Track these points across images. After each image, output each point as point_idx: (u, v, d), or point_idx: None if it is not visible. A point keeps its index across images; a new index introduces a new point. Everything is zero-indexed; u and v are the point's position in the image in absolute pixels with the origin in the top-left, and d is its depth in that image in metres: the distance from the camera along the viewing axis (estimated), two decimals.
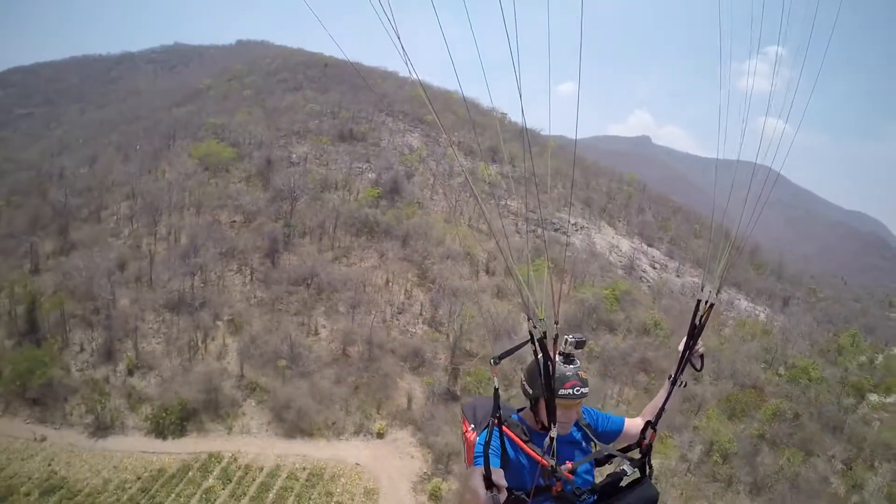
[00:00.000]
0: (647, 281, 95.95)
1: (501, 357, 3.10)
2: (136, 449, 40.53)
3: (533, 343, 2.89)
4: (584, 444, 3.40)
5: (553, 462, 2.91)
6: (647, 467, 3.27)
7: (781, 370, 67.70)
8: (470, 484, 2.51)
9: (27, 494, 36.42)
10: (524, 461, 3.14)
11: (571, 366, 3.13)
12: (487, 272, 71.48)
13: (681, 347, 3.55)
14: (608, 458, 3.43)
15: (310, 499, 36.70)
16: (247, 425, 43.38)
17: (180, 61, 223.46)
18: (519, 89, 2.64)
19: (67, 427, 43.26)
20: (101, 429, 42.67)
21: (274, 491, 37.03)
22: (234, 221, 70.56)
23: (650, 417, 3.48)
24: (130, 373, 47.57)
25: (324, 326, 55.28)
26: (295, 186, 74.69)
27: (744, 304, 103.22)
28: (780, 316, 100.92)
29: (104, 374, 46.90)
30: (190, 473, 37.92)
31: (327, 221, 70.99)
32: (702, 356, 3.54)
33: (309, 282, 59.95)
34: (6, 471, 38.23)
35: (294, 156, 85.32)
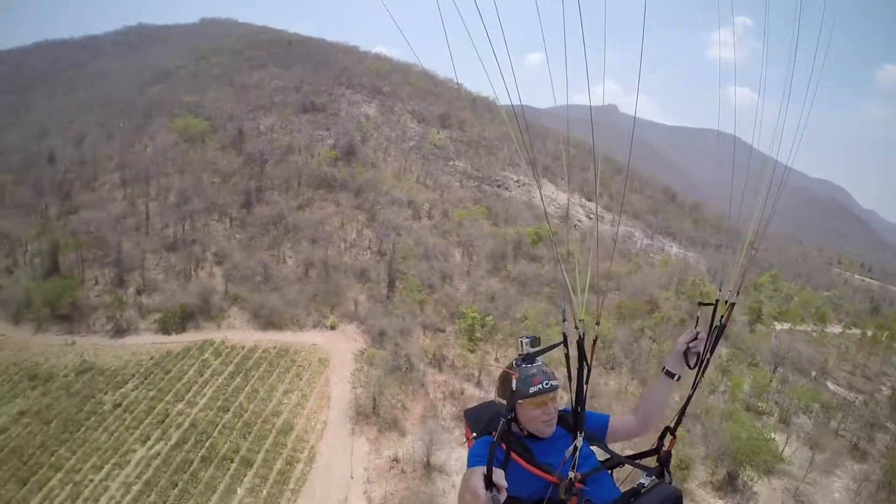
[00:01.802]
0: (581, 228, 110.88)
1: (530, 356, 3.01)
2: (147, 342, 54.38)
3: (566, 346, 2.80)
4: (591, 454, 3.15)
5: (573, 475, 2.72)
6: (667, 474, 3.02)
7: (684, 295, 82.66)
8: (470, 484, 2.34)
9: (65, 376, 49.88)
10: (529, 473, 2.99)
11: (533, 364, 3.00)
12: (429, 217, 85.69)
13: (681, 340, 3.37)
14: (619, 459, 3.23)
15: (278, 364, 51.12)
16: (231, 322, 57.56)
17: (145, 42, 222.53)
18: (508, 71, 2.49)
19: (92, 333, 56.79)
20: (119, 332, 56.42)
21: (252, 360, 51.35)
22: (214, 182, 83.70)
23: (666, 423, 3.24)
24: (139, 293, 61.30)
25: (290, 256, 69.43)
26: (264, 151, 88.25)
27: (675, 249, 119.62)
28: (704, 259, 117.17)
29: (118, 296, 60.49)
30: (190, 352, 51.96)
31: (292, 179, 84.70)
32: (697, 354, 3.31)
33: (278, 224, 73.87)
34: (46, 364, 51.42)
35: (262, 126, 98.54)
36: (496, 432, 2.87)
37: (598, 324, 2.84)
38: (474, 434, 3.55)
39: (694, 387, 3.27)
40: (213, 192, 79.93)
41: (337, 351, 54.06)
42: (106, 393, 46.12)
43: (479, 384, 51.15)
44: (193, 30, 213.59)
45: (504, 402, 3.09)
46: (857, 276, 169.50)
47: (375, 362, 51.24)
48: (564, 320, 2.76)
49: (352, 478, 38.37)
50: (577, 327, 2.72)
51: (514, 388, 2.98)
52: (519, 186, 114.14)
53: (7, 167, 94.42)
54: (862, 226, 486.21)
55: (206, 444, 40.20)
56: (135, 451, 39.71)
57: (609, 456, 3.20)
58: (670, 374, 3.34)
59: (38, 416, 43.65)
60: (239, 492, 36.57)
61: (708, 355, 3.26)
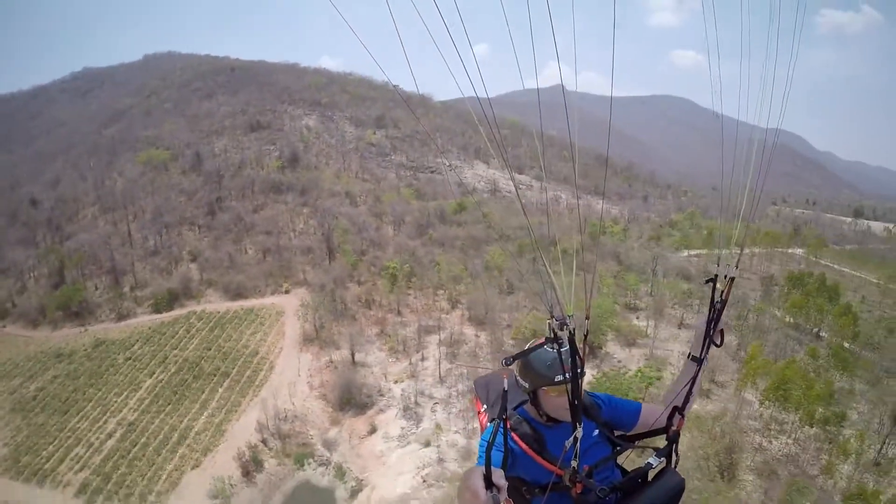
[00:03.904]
0: (509, 196, 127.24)
1: (515, 358, 2.95)
2: (145, 320, 70.32)
3: (556, 342, 2.72)
4: (603, 443, 3.19)
5: (576, 464, 2.72)
6: (675, 455, 3.01)
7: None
8: (470, 484, 2.31)
9: (84, 350, 65.52)
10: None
11: (562, 349, 2.79)
12: (364, 203, 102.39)
13: (698, 324, 3.35)
14: (629, 448, 3.25)
15: (246, 318, 67.46)
16: (208, 298, 73.61)
17: (94, 85, 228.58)
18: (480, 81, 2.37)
19: (99, 322, 72.49)
20: (122, 317, 72.23)
21: (227, 319, 67.61)
22: (181, 200, 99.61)
23: (673, 402, 3.21)
24: (132, 289, 77.17)
25: (250, 248, 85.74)
26: (220, 169, 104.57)
27: (599, 205, 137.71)
28: (626, 208, 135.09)
29: (117, 292, 76.30)
30: (179, 321, 68.03)
31: (246, 188, 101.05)
32: (721, 331, 3.28)
33: (238, 225, 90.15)
34: (67, 347, 66.73)
35: (216, 149, 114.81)
36: (507, 417, 2.91)
37: (587, 318, 2.88)
38: (484, 407, 3.78)
39: (700, 365, 3.26)
40: (181, 208, 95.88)
41: (291, 306, 70.43)
42: (118, 354, 62.12)
43: (398, 314, 67.94)
44: (138, 67, 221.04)
45: (526, 384, 3.10)
46: (796, 211, 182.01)
47: (318, 305, 67.68)
48: (552, 317, 2.68)
49: (299, 375, 55.14)
50: (565, 324, 2.67)
51: (538, 373, 2.96)
52: (451, 170, 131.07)
53: None
54: (815, 166, 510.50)
55: (196, 369, 56.62)
56: (144, 381, 55.97)
57: (619, 445, 3.21)
58: (696, 360, 3.31)
59: (68, 376, 59.45)
60: (219, 391, 53.15)
61: (712, 331, 3.24)
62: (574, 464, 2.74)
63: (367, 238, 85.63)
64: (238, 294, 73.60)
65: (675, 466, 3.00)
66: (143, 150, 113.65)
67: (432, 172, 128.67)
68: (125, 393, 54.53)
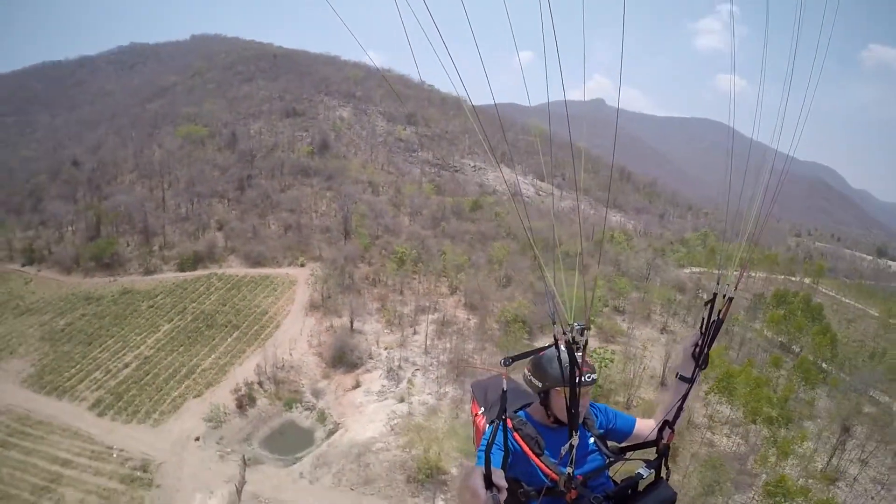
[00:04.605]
0: (529, 202, 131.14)
1: (514, 359, 3.04)
2: (170, 276, 76.14)
3: (557, 349, 2.81)
4: (598, 453, 3.31)
5: (570, 470, 2.78)
6: (665, 469, 3.08)
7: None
8: (470, 484, 2.39)
9: (112, 296, 71.39)
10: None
11: (578, 353, 2.89)
12: (386, 193, 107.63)
13: (688, 344, 3.43)
14: (621, 460, 3.33)
15: (262, 283, 72.81)
16: (230, 264, 79.25)
17: (139, 60, 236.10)
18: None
19: (128, 275, 78.53)
20: (149, 272, 78.22)
21: (244, 282, 73.04)
22: (214, 174, 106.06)
23: (665, 417, 3.24)
24: (161, 249, 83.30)
25: (274, 222, 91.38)
26: (253, 149, 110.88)
27: (617, 217, 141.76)
28: (642, 223, 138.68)
29: (147, 249, 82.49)
30: (200, 280, 73.67)
31: (276, 169, 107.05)
32: (707, 354, 3.32)
33: (264, 202, 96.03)
34: (96, 292, 72.99)
35: (252, 130, 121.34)
36: (506, 417, 3.03)
37: (588, 328, 2.84)
38: (482, 409, 3.86)
39: (692, 380, 3.33)
40: (213, 181, 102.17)
41: (303, 277, 75.61)
42: (142, 302, 67.88)
43: (401, 293, 72.60)
44: (185, 46, 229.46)
45: (539, 384, 3.19)
46: (817, 243, 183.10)
47: (327, 277, 72.79)
48: (554, 323, 2.74)
49: (301, 334, 60.17)
50: (565, 332, 2.73)
51: (554, 374, 3.04)
52: (475, 171, 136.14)
53: (36, 172, 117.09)
54: (848, 204, 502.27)
55: (210, 320, 62.04)
56: (163, 325, 61.53)
57: (612, 455, 3.31)
58: (684, 379, 3.38)
59: (94, 315, 65.18)
60: (228, 340, 58.40)
61: (706, 349, 3.27)
62: (569, 470, 2.80)
63: (382, 224, 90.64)
64: (257, 262, 79.04)
65: (667, 479, 3.05)
66: (183, 125, 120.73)
67: (456, 171, 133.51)
68: (144, 333, 60.08)
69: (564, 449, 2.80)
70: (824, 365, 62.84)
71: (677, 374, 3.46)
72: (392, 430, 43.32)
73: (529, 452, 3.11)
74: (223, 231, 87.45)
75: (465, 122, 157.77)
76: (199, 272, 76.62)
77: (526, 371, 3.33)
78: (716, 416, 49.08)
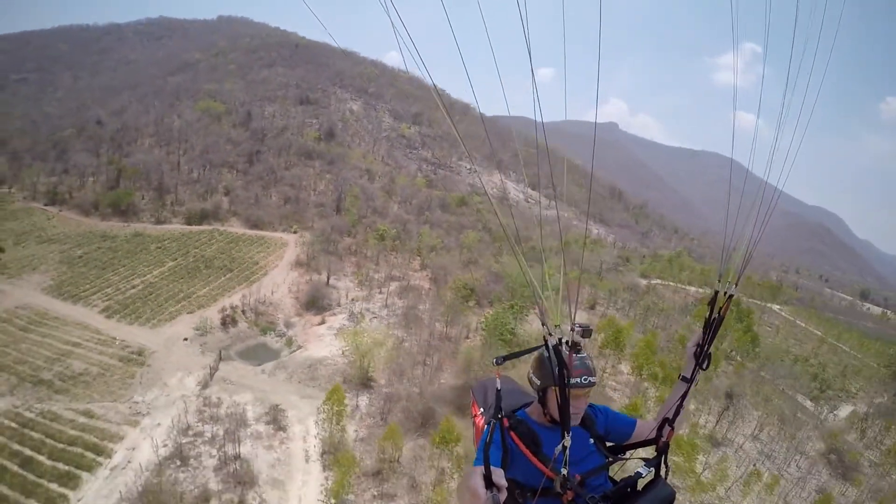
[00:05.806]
0: (514, 204, 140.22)
1: (506, 358, 3.02)
2: (178, 228, 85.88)
3: (547, 349, 2.86)
4: (597, 453, 3.34)
5: (566, 471, 2.81)
6: (664, 466, 3.15)
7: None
8: (470, 484, 2.39)
9: (125, 237, 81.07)
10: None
11: (578, 355, 3.05)
12: (378, 179, 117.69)
13: (690, 345, 3.52)
14: (620, 459, 3.39)
15: (257, 242, 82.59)
16: (231, 224, 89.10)
17: (165, 33, 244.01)
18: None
19: (141, 223, 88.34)
20: (160, 222, 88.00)
21: (242, 240, 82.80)
22: (227, 147, 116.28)
23: (664, 414, 3.38)
24: (172, 204, 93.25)
25: (275, 194, 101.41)
26: (265, 129, 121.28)
27: (600, 230, 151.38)
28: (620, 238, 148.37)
29: (158, 204, 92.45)
30: (204, 233, 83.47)
31: (283, 149, 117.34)
32: (709, 355, 3.41)
33: (269, 176, 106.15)
34: (111, 233, 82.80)
35: (266, 112, 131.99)
36: (502, 416, 3.09)
37: (572, 330, 2.95)
38: (481, 410, 3.88)
39: (692, 379, 3.41)
40: (225, 153, 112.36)
41: (294, 241, 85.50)
42: (151, 244, 77.62)
43: (377, 263, 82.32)
44: (211, 25, 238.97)
45: (538, 382, 3.23)
46: (801, 280, 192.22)
47: (314, 242, 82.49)
48: (544, 324, 2.80)
49: (283, 282, 69.90)
50: (551, 333, 2.78)
51: (546, 374, 3.10)
52: (470, 173, 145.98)
53: (60, 127, 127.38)
54: (847, 251, 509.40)
55: (208, 262, 71.91)
56: (167, 262, 71.29)
57: (611, 456, 3.34)
58: (685, 380, 3.45)
59: (109, 249, 74.89)
60: (221, 279, 68.18)
61: (707, 348, 3.36)
62: (564, 471, 2.83)
63: (371, 206, 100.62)
64: (255, 225, 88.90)
65: (666, 477, 3.12)
66: (203, 100, 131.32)
67: (451, 171, 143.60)
68: (151, 266, 69.78)
69: (558, 449, 2.85)
70: (739, 358, 72.13)
71: (681, 374, 3.53)
72: (343, 354, 52.75)
73: (526, 451, 3.15)
74: (229, 196, 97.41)
75: (468, 128, 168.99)
76: (203, 227, 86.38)
77: (529, 369, 3.35)
78: (608, 370, 58.23)
